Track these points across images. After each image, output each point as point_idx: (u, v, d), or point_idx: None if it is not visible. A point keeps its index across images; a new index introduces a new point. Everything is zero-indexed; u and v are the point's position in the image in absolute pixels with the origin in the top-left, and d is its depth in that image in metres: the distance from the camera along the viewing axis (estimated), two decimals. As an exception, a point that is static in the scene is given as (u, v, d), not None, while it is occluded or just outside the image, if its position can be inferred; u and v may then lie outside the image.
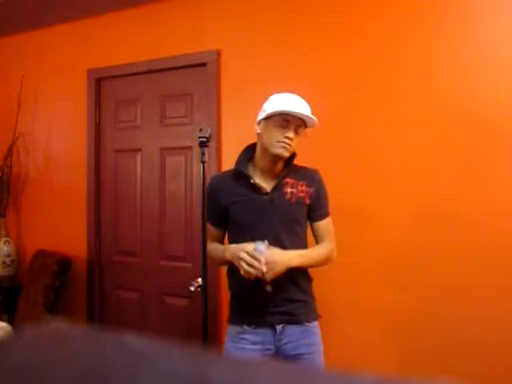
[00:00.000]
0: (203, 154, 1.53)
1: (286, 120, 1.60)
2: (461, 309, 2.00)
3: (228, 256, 1.62)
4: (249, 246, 1.54)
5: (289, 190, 1.66)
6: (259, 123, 1.67)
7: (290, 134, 1.60)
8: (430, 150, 2.08)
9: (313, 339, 1.69)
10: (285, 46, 2.39)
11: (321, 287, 2.19)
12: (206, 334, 1.51)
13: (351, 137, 2.24)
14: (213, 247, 1.73)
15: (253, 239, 1.57)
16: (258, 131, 1.68)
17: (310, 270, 1.76)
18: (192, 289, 2.30)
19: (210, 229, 1.74)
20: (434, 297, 2.05)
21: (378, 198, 2.17)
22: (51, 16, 2.99)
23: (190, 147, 2.66)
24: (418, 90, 2.10)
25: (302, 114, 1.59)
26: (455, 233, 2.02)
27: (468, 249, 2.00)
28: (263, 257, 1.50)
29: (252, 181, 1.66)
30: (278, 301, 1.64)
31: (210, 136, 1.55)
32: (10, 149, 3.19)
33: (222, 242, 1.80)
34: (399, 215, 2.13)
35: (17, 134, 3.20)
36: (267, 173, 1.68)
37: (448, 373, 1.98)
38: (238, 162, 1.73)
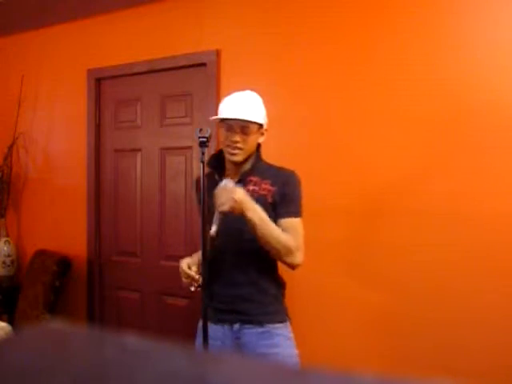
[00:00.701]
0: (203, 153, 1.53)
1: (228, 124, 1.63)
2: (456, 309, 2.00)
3: None
4: (184, 261, 1.68)
5: (251, 187, 1.65)
6: (218, 128, 1.75)
7: (235, 138, 1.61)
8: (429, 150, 2.08)
9: (276, 340, 1.63)
10: (285, 46, 2.39)
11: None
12: (206, 334, 1.51)
13: (351, 137, 2.24)
14: None
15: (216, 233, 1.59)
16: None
17: (279, 276, 1.73)
18: (192, 289, 2.29)
19: None
20: (430, 298, 2.05)
21: (376, 198, 2.17)
22: (51, 16, 2.99)
23: (190, 147, 2.66)
24: (418, 90, 2.10)
25: (238, 120, 1.60)
26: (453, 233, 2.02)
27: (464, 249, 1.99)
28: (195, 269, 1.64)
29: (216, 178, 1.69)
30: (234, 299, 1.65)
31: (209, 136, 1.55)
32: (10, 149, 3.19)
33: None
34: (398, 215, 2.13)
35: (17, 134, 3.20)
36: (233, 172, 1.69)
37: (442, 373, 1.98)
38: (208, 161, 1.75)
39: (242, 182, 1.66)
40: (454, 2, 2.07)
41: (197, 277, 1.62)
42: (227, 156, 1.66)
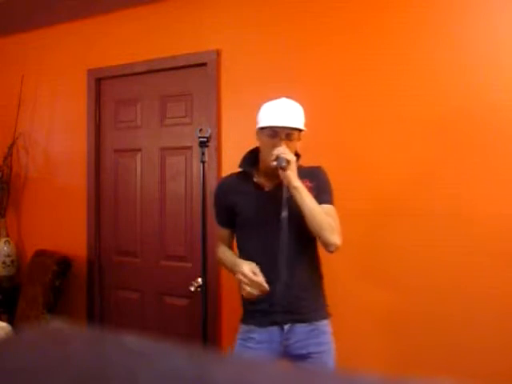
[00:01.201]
0: (203, 153, 1.54)
1: (275, 131, 1.65)
2: (463, 309, 2.00)
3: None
4: (245, 266, 1.56)
5: None
6: (256, 132, 1.74)
7: (281, 144, 1.63)
8: (434, 152, 2.08)
9: (322, 338, 1.68)
10: (285, 46, 2.38)
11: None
12: (206, 334, 1.51)
13: (352, 138, 2.24)
14: (221, 254, 1.81)
15: (257, 237, 1.60)
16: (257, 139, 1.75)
17: (321, 269, 1.77)
18: (192, 289, 2.30)
19: (219, 230, 1.84)
20: (433, 297, 2.05)
21: (383, 200, 2.17)
22: (51, 16, 2.99)
23: (190, 147, 2.66)
24: (421, 92, 2.10)
25: (286, 128, 1.64)
26: (458, 234, 2.02)
27: (471, 250, 1.99)
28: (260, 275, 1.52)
29: (255, 179, 1.71)
30: (286, 297, 1.64)
31: (210, 136, 1.56)
32: (10, 149, 3.19)
33: (229, 243, 1.84)
34: (405, 216, 2.13)
35: (17, 134, 3.20)
36: (271, 174, 1.71)
37: (447, 373, 1.98)
38: (242, 162, 1.78)
39: (282, 183, 1.67)
40: (453, 2, 2.07)
41: (266, 287, 1.53)
42: (271, 162, 1.64)
